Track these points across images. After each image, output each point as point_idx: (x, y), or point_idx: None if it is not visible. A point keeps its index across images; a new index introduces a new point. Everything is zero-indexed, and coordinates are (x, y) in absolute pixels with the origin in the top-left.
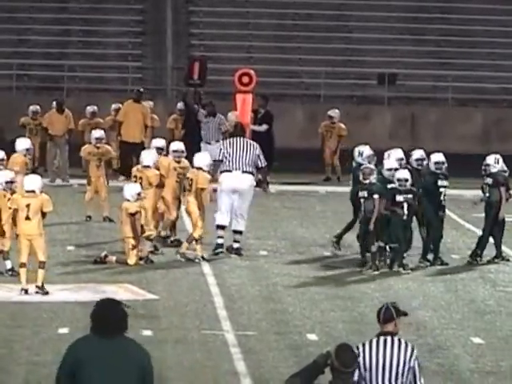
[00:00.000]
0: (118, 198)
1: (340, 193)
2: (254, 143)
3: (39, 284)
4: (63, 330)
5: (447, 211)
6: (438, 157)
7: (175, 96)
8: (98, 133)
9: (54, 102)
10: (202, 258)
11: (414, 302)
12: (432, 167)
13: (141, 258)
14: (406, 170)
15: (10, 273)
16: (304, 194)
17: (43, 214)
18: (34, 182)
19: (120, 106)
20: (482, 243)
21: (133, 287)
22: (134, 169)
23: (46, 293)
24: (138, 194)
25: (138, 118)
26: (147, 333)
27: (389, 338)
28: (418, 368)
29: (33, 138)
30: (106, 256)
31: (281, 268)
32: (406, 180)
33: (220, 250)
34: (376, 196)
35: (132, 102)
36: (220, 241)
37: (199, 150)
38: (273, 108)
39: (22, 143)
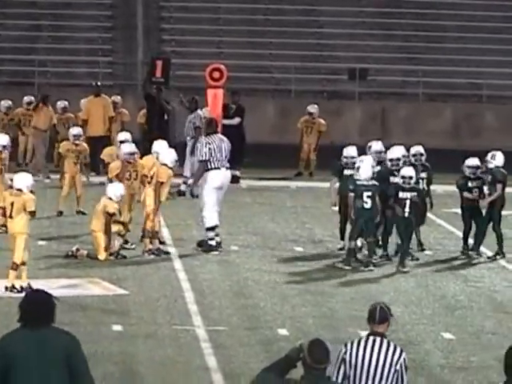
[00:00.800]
0: (91, 192)
1: (311, 188)
2: (226, 139)
3: (8, 285)
4: None
5: None
6: (393, 153)
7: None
8: (75, 130)
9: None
10: (159, 250)
11: (385, 298)
12: (388, 163)
13: (111, 254)
14: (411, 167)
15: None
16: (275, 190)
17: (30, 214)
18: (22, 180)
19: (119, 97)
20: (498, 240)
21: (103, 282)
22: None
23: (19, 291)
24: (121, 196)
25: (99, 111)
26: (117, 328)
27: (378, 339)
28: (405, 372)
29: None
30: (77, 250)
31: (252, 263)
32: (411, 177)
33: (216, 252)
34: (351, 193)
35: (93, 97)
36: (213, 242)
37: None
38: (244, 103)
39: (0, 139)
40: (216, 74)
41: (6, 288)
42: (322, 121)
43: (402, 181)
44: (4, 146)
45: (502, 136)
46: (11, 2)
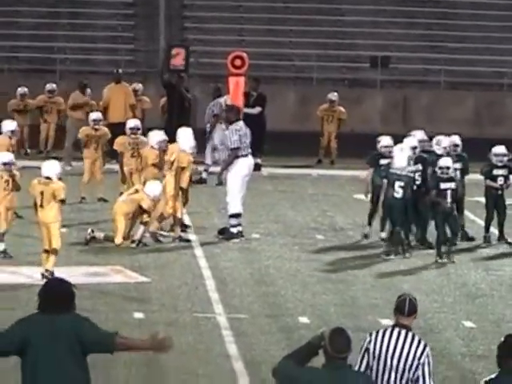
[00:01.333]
0: (110, 179)
1: (332, 176)
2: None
3: (49, 268)
4: None
5: None
6: (410, 141)
7: (168, 78)
8: (95, 115)
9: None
10: (180, 238)
11: (406, 286)
12: None
13: (133, 241)
14: (449, 158)
15: (2, 255)
16: (296, 177)
17: (61, 202)
18: (51, 167)
19: (140, 85)
20: None
21: (125, 270)
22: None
23: (45, 277)
24: (158, 197)
25: (121, 98)
26: (139, 315)
27: (403, 331)
28: (429, 368)
29: (22, 119)
30: (92, 231)
31: (273, 251)
32: (448, 168)
33: (236, 239)
34: (385, 180)
35: (114, 84)
36: (235, 230)
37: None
38: (264, 91)
39: (7, 125)
40: (238, 62)
41: (47, 270)
42: (342, 109)
43: (439, 171)
44: (12, 132)
45: None
46: None
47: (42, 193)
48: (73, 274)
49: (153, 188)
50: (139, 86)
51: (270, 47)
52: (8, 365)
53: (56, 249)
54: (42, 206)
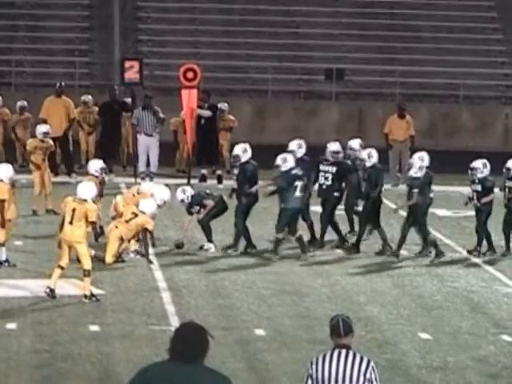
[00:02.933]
0: (57, 191)
1: None
2: None
3: (87, 293)
4: (11, 326)
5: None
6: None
7: (123, 91)
8: (44, 127)
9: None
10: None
11: (362, 298)
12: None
13: (122, 260)
14: None
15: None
16: None
17: (91, 223)
18: (87, 190)
19: (89, 97)
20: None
21: (80, 282)
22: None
23: (97, 300)
24: (154, 212)
25: (60, 112)
26: (94, 328)
27: (343, 351)
28: (376, 381)
29: None
30: None
31: (228, 263)
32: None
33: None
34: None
35: (54, 97)
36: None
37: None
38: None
39: None
40: (190, 74)
41: (86, 296)
42: (232, 117)
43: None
44: None
45: (478, 136)
46: None
47: (73, 210)
48: (30, 287)
49: (148, 205)
50: (89, 98)
51: (225, 60)
52: None
53: (88, 270)
54: (71, 223)
